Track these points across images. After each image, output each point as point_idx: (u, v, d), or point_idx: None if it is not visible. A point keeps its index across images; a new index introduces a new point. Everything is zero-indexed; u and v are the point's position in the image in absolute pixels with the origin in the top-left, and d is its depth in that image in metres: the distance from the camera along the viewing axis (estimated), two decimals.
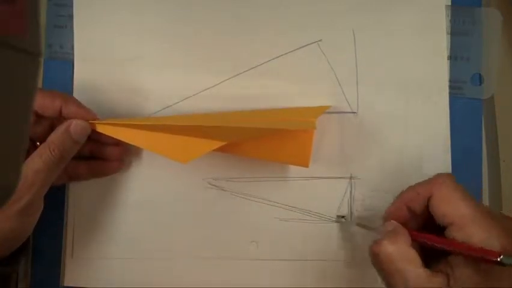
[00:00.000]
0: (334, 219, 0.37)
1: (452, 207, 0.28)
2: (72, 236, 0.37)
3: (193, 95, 0.37)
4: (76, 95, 0.37)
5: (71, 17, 0.37)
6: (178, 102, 0.37)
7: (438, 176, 0.30)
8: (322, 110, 0.36)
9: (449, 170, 0.37)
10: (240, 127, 0.33)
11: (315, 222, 0.37)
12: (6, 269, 0.32)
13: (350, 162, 0.37)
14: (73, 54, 0.38)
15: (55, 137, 0.32)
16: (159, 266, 0.37)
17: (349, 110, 0.37)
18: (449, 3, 0.37)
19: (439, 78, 0.37)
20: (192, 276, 0.37)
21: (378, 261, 0.29)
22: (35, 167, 0.31)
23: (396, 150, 0.37)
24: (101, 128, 0.34)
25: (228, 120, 0.35)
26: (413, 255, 0.28)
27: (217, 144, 0.33)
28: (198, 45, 0.37)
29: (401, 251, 0.28)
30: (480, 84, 0.37)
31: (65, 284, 0.37)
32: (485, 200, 0.37)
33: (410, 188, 0.31)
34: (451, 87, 0.37)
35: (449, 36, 0.37)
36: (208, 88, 0.37)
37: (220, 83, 0.37)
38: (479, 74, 0.37)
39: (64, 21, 0.38)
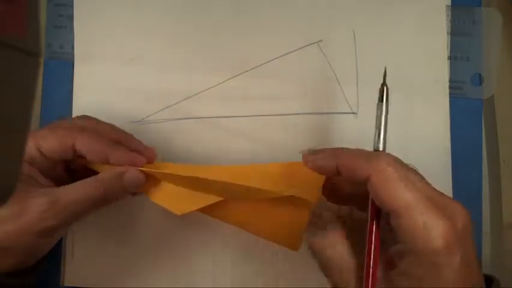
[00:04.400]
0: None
1: (390, 194, 0.25)
2: (72, 236, 0.37)
3: (193, 95, 0.37)
4: (75, 95, 0.37)
5: (71, 17, 0.37)
6: (178, 102, 0.37)
7: (379, 157, 0.27)
8: (319, 184, 0.31)
9: (449, 170, 0.37)
10: (238, 185, 0.30)
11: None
12: (22, 280, 0.31)
13: None
14: (73, 54, 0.38)
15: (106, 176, 0.31)
16: (159, 266, 0.37)
17: (349, 111, 0.37)
18: (449, 3, 0.37)
19: (439, 78, 0.37)
20: (192, 276, 0.37)
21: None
22: (72, 197, 0.30)
23: (395, 151, 0.37)
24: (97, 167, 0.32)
25: (227, 176, 0.32)
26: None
27: (214, 199, 0.31)
28: (198, 45, 0.37)
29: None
30: (480, 84, 0.37)
31: (65, 284, 0.37)
32: (485, 200, 0.37)
33: (347, 156, 0.28)
34: (451, 87, 0.37)
35: (449, 36, 0.37)
36: (208, 88, 0.37)
37: (220, 83, 0.37)
38: (479, 74, 0.37)
39: (63, 21, 0.38)
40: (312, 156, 0.29)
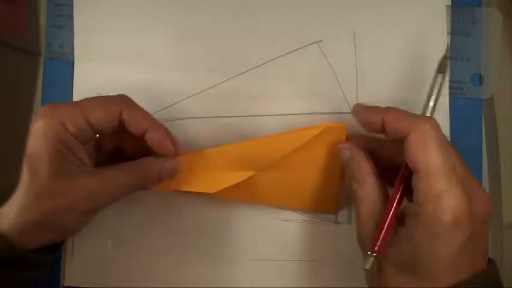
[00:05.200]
0: (334, 220, 0.37)
1: (422, 154, 0.26)
2: (72, 236, 0.37)
3: (193, 95, 0.37)
4: (75, 95, 0.37)
5: (71, 17, 0.37)
6: (178, 102, 0.37)
7: (426, 118, 0.28)
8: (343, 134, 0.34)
9: None
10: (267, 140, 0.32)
11: (315, 223, 0.37)
12: (43, 257, 0.31)
13: None
14: (73, 54, 0.38)
15: (148, 161, 0.32)
16: (159, 266, 0.37)
17: (349, 111, 0.37)
18: (449, 3, 0.37)
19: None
20: (191, 276, 0.37)
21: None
22: (119, 179, 0.31)
23: None
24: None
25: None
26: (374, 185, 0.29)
27: (245, 175, 0.33)
28: (198, 45, 0.37)
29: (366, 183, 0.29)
30: (480, 84, 0.37)
31: (65, 284, 0.37)
32: None
33: (394, 113, 0.29)
34: (451, 87, 0.37)
35: (449, 36, 0.37)
36: (208, 88, 0.37)
37: (220, 83, 0.37)
38: (479, 74, 0.37)
39: (64, 21, 0.38)
40: (362, 112, 0.31)
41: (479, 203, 0.26)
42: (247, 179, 0.33)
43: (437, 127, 0.27)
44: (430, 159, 0.26)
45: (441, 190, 0.25)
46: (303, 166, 0.34)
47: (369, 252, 0.27)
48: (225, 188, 0.33)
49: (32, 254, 0.30)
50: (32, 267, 0.30)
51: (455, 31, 0.37)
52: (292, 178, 0.34)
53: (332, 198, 0.35)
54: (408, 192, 0.28)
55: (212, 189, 0.33)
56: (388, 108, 0.29)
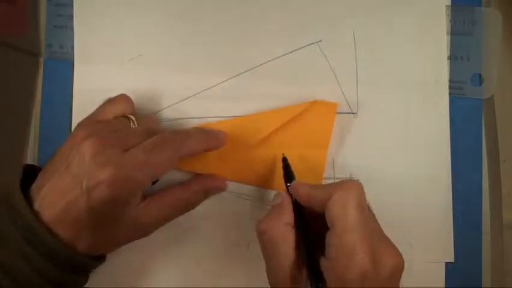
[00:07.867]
0: None
1: (339, 212, 0.27)
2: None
3: (193, 95, 0.37)
4: (76, 95, 0.37)
5: (71, 17, 0.37)
6: (178, 102, 0.37)
7: (348, 181, 0.29)
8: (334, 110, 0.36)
9: (449, 170, 0.37)
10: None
11: None
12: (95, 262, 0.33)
13: (349, 162, 0.37)
14: (73, 54, 0.38)
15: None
16: (158, 266, 0.37)
17: (349, 111, 0.37)
18: (449, 3, 0.37)
19: (439, 78, 0.37)
20: (191, 276, 0.37)
21: (259, 239, 0.30)
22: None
23: (396, 151, 0.37)
24: None
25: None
26: (290, 236, 0.29)
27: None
28: (198, 45, 0.38)
29: (278, 229, 0.29)
30: (480, 84, 0.37)
31: None
32: (485, 200, 0.37)
33: (320, 189, 0.29)
34: (451, 87, 0.37)
35: (449, 36, 0.37)
36: (208, 88, 0.37)
37: (220, 83, 0.37)
38: (479, 74, 0.37)
39: (63, 21, 0.38)
40: (295, 189, 0.31)
41: (388, 258, 0.27)
42: (234, 157, 0.35)
43: (359, 187, 0.28)
44: (348, 217, 0.27)
45: (353, 247, 0.26)
46: (291, 143, 0.35)
47: None
48: (214, 165, 0.35)
49: (92, 261, 0.31)
50: (86, 273, 0.33)
51: (455, 31, 0.37)
52: (280, 156, 0.34)
53: (317, 179, 0.35)
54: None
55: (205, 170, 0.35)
56: (314, 185, 0.30)
